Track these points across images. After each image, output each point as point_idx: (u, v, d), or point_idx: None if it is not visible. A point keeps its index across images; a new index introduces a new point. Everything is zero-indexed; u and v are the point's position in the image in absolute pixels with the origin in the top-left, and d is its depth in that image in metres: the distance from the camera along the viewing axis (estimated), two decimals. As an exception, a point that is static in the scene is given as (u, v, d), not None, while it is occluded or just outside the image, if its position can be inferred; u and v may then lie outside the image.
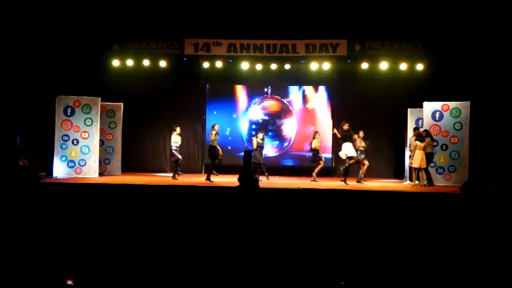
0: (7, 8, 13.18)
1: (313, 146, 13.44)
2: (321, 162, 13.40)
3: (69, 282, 6.84)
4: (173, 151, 13.23)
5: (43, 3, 13.59)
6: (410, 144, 13.27)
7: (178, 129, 13.40)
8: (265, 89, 16.17)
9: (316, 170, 13.32)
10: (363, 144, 13.29)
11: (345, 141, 12.96)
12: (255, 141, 13.62)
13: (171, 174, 13.45)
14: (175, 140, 13.25)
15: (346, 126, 13.11)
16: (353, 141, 13.08)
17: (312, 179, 13.19)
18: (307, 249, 8.53)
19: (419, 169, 12.34)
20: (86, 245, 9.75)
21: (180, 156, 13.28)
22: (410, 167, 13.05)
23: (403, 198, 10.63)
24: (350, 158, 12.88)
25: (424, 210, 10.07)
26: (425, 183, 12.37)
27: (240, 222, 6.24)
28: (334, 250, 9.41)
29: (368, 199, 10.55)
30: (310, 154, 13.81)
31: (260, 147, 13.57)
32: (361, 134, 13.42)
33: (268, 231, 7.59)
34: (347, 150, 12.90)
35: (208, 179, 12.67)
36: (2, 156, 12.53)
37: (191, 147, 15.78)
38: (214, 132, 12.93)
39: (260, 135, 13.72)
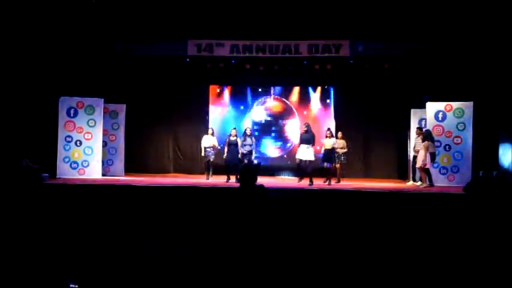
0: (10, 8, 13.21)
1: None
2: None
3: (72, 286, 6.85)
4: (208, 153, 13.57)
5: (46, 4, 13.60)
6: (415, 145, 13.24)
7: (210, 130, 13.76)
8: (268, 90, 16.14)
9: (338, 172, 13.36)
10: (341, 145, 13.23)
11: (303, 143, 12.86)
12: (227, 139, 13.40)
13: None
14: (208, 141, 13.58)
15: (303, 128, 13.11)
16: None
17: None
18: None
19: (427, 169, 12.33)
20: (88, 246, 9.77)
21: (206, 159, 13.63)
22: (414, 168, 13.03)
23: (407, 199, 10.63)
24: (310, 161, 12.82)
25: (428, 211, 10.06)
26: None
27: (242, 223, 6.23)
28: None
29: (374, 199, 10.55)
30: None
31: (232, 144, 13.23)
32: (340, 135, 13.42)
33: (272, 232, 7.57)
34: (305, 153, 12.79)
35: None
36: (5, 157, 12.55)
37: (194, 148, 15.75)
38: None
39: (233, 131, 13.42)
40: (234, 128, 13.62)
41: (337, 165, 13.28)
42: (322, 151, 13.31)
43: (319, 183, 12.94)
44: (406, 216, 10.05)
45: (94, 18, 14.07)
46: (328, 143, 13.10)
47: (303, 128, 13.17)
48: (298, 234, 9.53)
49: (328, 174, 13.19)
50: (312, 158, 12.80)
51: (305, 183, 12.74)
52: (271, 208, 6.71)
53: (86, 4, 13.88)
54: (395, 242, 9.80)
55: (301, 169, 13.13)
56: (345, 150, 13.29)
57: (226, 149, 13.24)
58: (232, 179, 13.01)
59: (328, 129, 13.50)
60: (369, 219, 10.00)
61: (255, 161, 13.05)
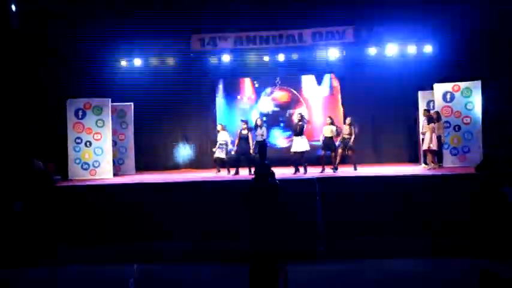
0: (14, 10, 13.26)
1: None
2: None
3: None
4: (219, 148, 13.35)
5: (49, 5, 13.64)
6: (422, 127, 13.18)
7: (219, 126, 13.62)
8: (274, 80, 16.12)
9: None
10: (347, 132, 12.80)
11: (297, 135, 12.67)
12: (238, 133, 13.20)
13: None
14: (220, 137, 13.41)
15: (298, 117, 12.90)
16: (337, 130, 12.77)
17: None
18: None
19: (433, 151, 12.28)
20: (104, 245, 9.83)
21: (219, 155, 13.35)
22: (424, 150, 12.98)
23: (418, 181, 10.60)
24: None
25: (441, 192, 10.02)
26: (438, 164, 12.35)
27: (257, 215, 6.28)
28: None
29: (384, 184, 10.52)
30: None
31: (243, 138, 12.99)
32: (348, 121, 12.99)
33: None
34: (301, 145, 12.60)
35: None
36: (18, 160, 12.63)
37: (202, 142, 15.82)
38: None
39: (243, 125, 13.16)
40: (244, 121, 13.31)
41: (349, 153, 12.91)
42: (322, 139, 13.02)
43: (314, 171, 12.72)
44: (421, 198, 10.01)
45: (95, 15, 14.09)
46: (327, 130, 12.75)
47: (297, 117, 12.95)
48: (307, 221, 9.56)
49: (327, 162, 12.84)
50: (308, 147, 12.71)
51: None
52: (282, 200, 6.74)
53: (89, 4, 13.91)
54: (410, 225, 9.78)
55: (296, 160, 12.81)
56: (351, 136, 12.77)
57: (236, 142, 13.14)
58: (241, 171, 13.03)
59: (329, 116, 13.13)
60: (382, 204, 9.99)
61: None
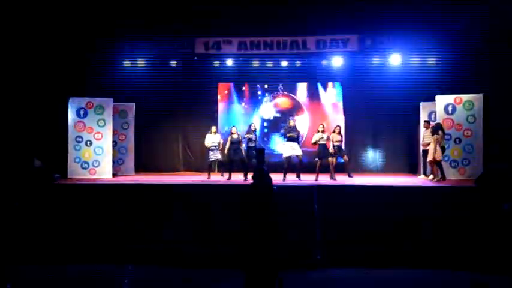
0: (17, 10, 13.28)
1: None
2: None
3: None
4: (210, 151, 13.39)
5: (53, 5, 13.66)
6: (423, 138, 13.16)
7: (213, 128, 13.61)
8: (277, 86, 16.12)
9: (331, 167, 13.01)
10: (337, 139, 12.90)
11: (290, 141, 12.63)
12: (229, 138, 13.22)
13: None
14: (212, 139, 13.39)
15: (291, 123, 12.90)
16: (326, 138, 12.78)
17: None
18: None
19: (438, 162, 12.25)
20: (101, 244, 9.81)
21: (212, 158, 13.42)
22: (425, 162, 12.94)
23: (419, 193, 10.59)
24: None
25: (440, 204, 10.01)
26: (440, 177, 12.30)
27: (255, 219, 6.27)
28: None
29: (384, 194, 10.50)
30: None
31: (235, 142, 13.03)
32: (337, 129, 13.06)
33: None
34: (294, 149, 12.59)
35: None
36: (17, 158, 12.63)
37: (203, 146, 15.77)
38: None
39: (234, 129, 13.34)
40: (234, 126, 13.64)
41: (344, 158, 13.10)
42: (312, 142, 12.97)
43: (309, 178, 12.63)
44: (420, 210, 9.99)
45: (99, 16, 14.10)
46: (323, 138, 12.76)
47: (291, 123, 12.91)
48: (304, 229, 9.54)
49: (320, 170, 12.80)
50: (300, 152, 12.70)
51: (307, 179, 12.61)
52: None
53: (93, 4, 13.92)
54: (409, 236, 9.76)
55: (289, 167, 12.76)
56: (340, 143, 13.00)
57: (227, 147, 13.09)
58: (234, 176, 12.99)
59: (321, 124, 13.12)
60: (380, 215, 9.97)
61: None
